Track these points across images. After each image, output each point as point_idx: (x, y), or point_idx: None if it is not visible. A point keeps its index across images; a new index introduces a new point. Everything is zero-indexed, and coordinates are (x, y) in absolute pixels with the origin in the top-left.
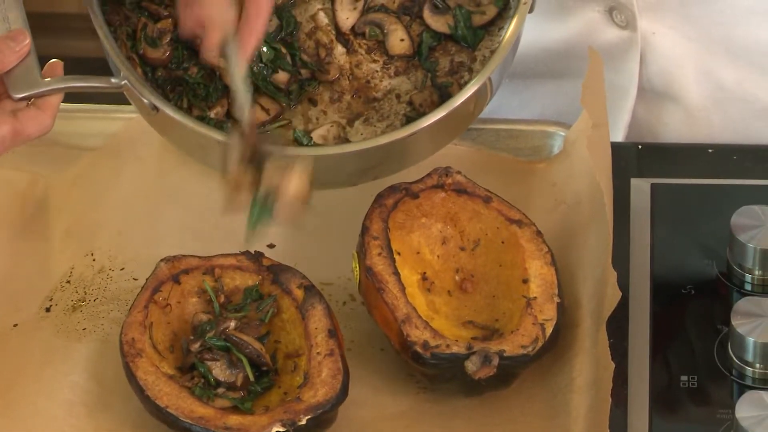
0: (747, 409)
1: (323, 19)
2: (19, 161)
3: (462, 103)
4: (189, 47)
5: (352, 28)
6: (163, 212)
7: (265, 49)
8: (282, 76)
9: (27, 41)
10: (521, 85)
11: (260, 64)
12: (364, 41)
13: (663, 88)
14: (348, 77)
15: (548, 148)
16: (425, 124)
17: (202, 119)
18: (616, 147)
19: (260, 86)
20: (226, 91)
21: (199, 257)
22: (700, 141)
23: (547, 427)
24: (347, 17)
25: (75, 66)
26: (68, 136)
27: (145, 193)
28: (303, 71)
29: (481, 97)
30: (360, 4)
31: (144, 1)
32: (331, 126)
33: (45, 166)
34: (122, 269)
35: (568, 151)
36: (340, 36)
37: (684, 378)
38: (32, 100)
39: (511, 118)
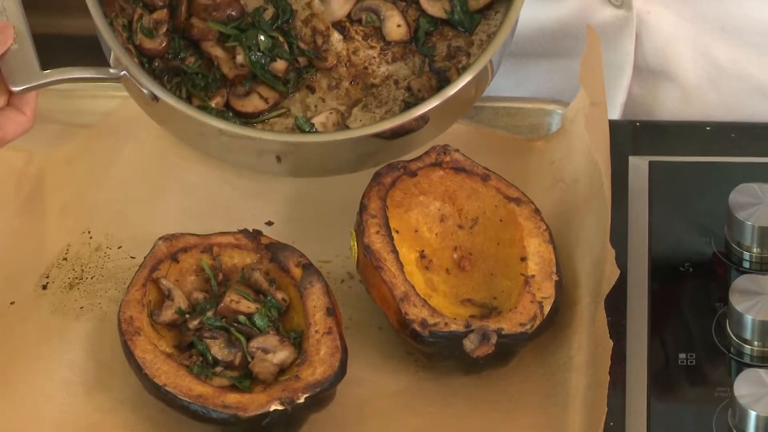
0: (745, 386)
1: (319, 6)
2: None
3: (462, 88)
4: (185, 37)
5: (348, 15)
6: (160, 190)
7: (262, 37)
8: (280, 65)
9: (11, 34)
10: (517, 64)
11: (258, 53)
12: (361, 28)
13: (658, 67)
14: (345, 64)
15: (546, 126)
16: (425, 110)
17: (202, 108)
18: (613, 125)
19: (258, 75)
20: (225, 81)
21: (198, 235)
22: (696, 119)
23: (545, 405)
24: (341, 8)
25: (70, 45)
26: (64, 114)
27: (143, 171)
28: (300, 59)
29: (481, 81)
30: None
31: None
32: (330, 113)
33: (41, 144)
34: (120, 247)
35: (566, 129)
36: (337, 23)
37: (682, 356)
38: (9, 100)
39: (510, 96)
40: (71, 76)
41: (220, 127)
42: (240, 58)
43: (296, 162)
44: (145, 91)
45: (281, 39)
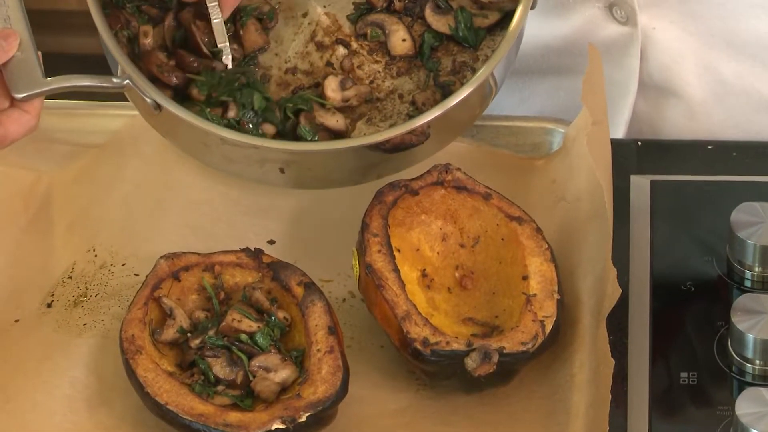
0: (747, 405)
1: (325, 20)
2: (22, 158)
3: (464, 98)
4: (191, 51)
5: (354, 30)
6: (164, 209)
7: (256, 97)
8: (269, 129)
9: (16, 41)
10: (521, 82)
11: (250, 112)
12: (366, 42)
13: (664, 83)
14: (351, 78)
15: (548, 145)
16: (427, 120)
17: (205, 117)
18: (615, 144)
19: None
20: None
21: (199, 254)
22: (702, 135)
23: (547, 424)
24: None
25: (75, 63)
26: (70, 134)
27: (147, 189)
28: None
29: (484, 95)
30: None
31: (144, 5)
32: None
33: (48, 163)
34: (123, 265)
35: (568, 147)
36: (341, 38)
37: (684, 375)
38: (14, 103)
39: (511, 114)
40: (74, 84)
41: (222, 135)
42: (232, 113)
43: (299, 172)
44: (148, 99)
45: (274, 103)
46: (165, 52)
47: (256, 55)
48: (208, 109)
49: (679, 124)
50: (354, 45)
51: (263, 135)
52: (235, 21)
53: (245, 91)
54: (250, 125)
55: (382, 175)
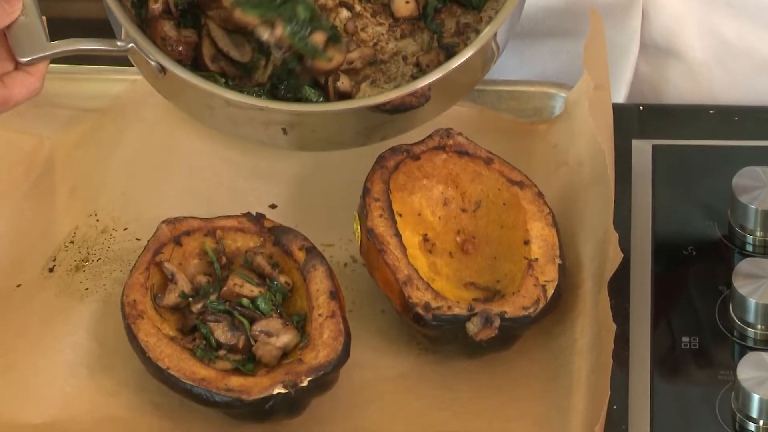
0: (748, 370)
1: None
2: (24, 123)
3: (466, 61)
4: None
5: None
6: (166, 173)
7: (301, 9)
8: (319, 36)
9: (19, 4)
10: (522, 45)
11: (296, 26)
12: (369, 5)
13: (665, 45)
14: (354, 40)
15: (550, 110)
16: (430, 81)
17: (209, 78)
18: (617, 108)
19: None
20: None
21: (201, 219)
22: (704, 97)
23: (549, 389)
24: None
25: (77, 27)
26: (72, 98)
27: (149, 154)
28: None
29: (486, 57)
30: None
31: None
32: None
33: (50, 128)
34: (125, 229)
35: (570, 112)
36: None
37: (685, 339)
38: (18, 66)
39: (513, 78)
40: (78, 47)
41: (227, 97)
42: (279, 31)
43: (303, 134)
44: (152, 62)
45: (318, 11)
46: (171, 20)
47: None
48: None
49: (680, 86)
50: (357, 7)
51: (314, 47)
52: None
53: (287, 5)
54: (298, 38)
55: (386, 136)
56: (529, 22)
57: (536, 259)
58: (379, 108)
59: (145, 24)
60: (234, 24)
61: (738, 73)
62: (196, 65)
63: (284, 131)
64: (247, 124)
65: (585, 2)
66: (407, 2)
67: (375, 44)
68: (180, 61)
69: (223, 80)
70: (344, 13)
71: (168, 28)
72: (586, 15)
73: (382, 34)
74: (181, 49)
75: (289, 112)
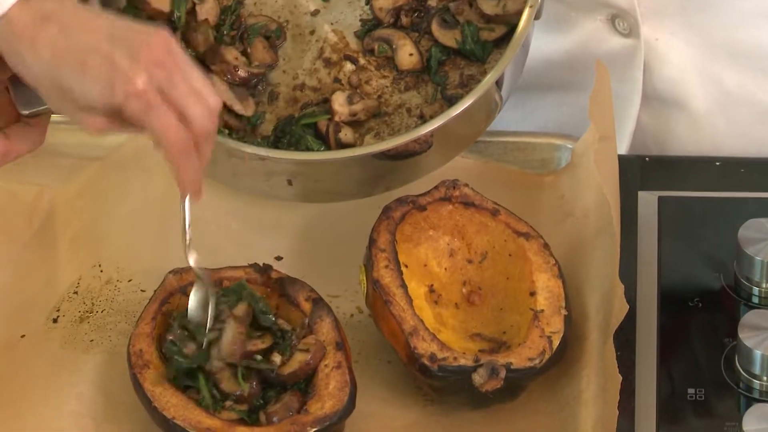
0: (754, 422)
1: (332, 37)
2: (25, 174)
3: (470, 109)
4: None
5: (362, 46)
6: (170, 223)
7: None
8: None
9: None
10: (524, 97)
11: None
12: (374, 58)
13: (668, 95)
14: (358, 92)
15: (556, 161)
16: (433, 127)
17: None
18: (623, 160)
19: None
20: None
21: (207, 269)
22: (707, 147)
23: None
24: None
25: None
26: (73, 147)
27: (152, 204)
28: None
29: (489, 107)
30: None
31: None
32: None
33: (51, 178)
34: (130, 281)
35: (576, 163)
36: (349, 54)
37: (691, 391)
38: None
39: (519, 130)
40: None
41: (229, 147)
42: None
43: (306, 184)
44: None
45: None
46: None
47: (264, 72)
48: None
49: (683, 136)
50: (362, 61)
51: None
52: (242, 39)
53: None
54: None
55: (390, 187)
56: (531, 75)
57: (542, 311)
58: (382, 155)
59: None
60: (238, 78)
61: (740, 123)
62: None
63: (288, 182)
64: (250, 176)
65: (586, 55)
66: (411, 55)
67: (379, 97)
68: None
69: (227, 132)
70: (348, 66)
71: None
72: (588, 68)
73: (386, 87)
74: None
75: (291, 161)
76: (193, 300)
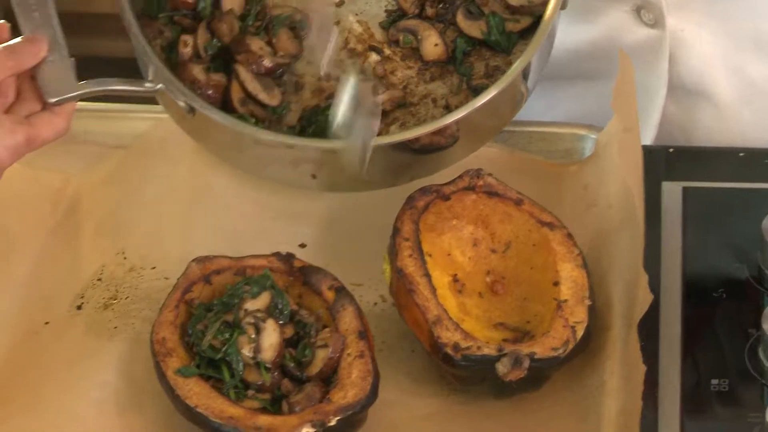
0: None
1: (357, 28)
2: (50, 161)
3: (495, 100)
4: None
5: (386, 37)
6: (193, 212)
7: None
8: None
9: (44, 46)
10: (549, 87)
11: None
12: (399, 48)
13: (693, 86)
14: (384, 83)
15: (580, 151)
16: (457, 117)
17: (239, 118)
18: (647, 150)
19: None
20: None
21: (231, 258)
22: (732, 137)
23: (578, 430)
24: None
25: (106, 66)
26: (98, 135)
27: (176, 192)
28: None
29: (515, 98)
30: None
31: (177, 16)
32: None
33: (76, 166)
34: (153, 268)
35: (600, 154)
36: (374, 45)
37: (715, 381)
38: (46, 106)
39: (543, 120)
40: (106, 88)
41: (255, 136)
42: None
43: (332, 174)
44: (181, 103)
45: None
46: (200, 64)
47: (289, 63)
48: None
49: (709, 127)
50: (387, 51)
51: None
52: (267, 29)
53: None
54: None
55: (415, 177)
56: (557, 65)
57: (566, 300)
58: (408, 148)
59: (174, 67)
60: (263, 68)
61: (765, 113)
62: (225, 109)
63: (313, 175)
64: (276, 164)
65: (611, 45)
66: (436, 45)
67: (404, 87)
68: (210, 105)
69: (253, 121)
70: (374, 57)
71: (197, 71)
72: (613, 58)
73: (412, 77)
74: (210, 92)
75: (317, 149)
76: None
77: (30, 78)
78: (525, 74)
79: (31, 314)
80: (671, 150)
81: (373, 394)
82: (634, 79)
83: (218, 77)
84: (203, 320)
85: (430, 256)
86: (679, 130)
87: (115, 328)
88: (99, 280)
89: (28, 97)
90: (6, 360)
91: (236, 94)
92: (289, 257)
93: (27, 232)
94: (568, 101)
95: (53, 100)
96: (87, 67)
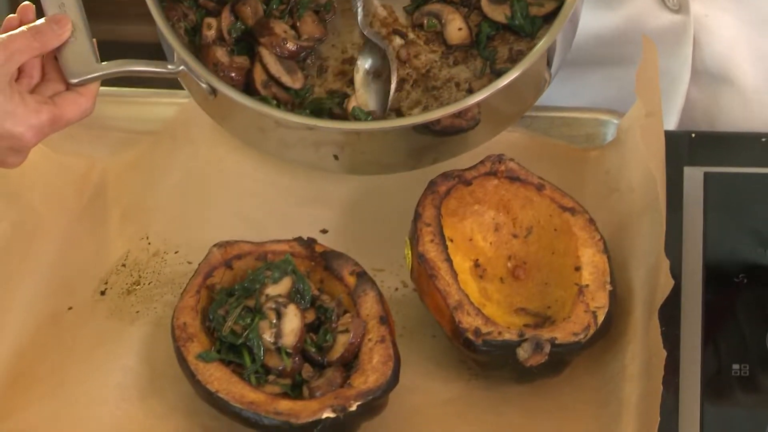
0: None
1: (381, 12)
2: (77, 146)
3: (516, 79)
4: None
5: (410, 21)
6: (217, 197)
7: None
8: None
9: (69, 26)
10: (572, 73)
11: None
12: (422, 32)
13: (717, 71)
14: (407, 67)
15: (602, 136)
16: (479, 98)
17: (261, 100)
18: (669, 135)
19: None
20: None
21: (252, 243)
22: (756, 123)
23: (599, 415)
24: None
25: (129, 50)
26: (124, 121)
27: (200, 178)
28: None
29: (538, 79)
30: None
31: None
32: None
33: (101, 151)
34: (176, 252)
35: (622, 139)
36: (398, 28)
37: (736, 366)
38: (70, 86)
39: (565, 105)
40: (128, 69)
41: (277, 117)
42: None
43: (353, 156)
44: (203, 84)
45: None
46: (224, 47)
47: (313, 46)
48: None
49: (733, 112)
50: (410, 35)
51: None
52: (292, 13)
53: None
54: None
55: (437, 160)
56: (580, 51)
57: (587, 286)
58: (429, 130)
59: (198, 50)
60: (287, 51)
61: None
62: (247, 92)
63: (335, 156)
64: (298, 146)
65: (636, 31)
66: (460, 29)
67: (428, 71)
68: (232, 87)
69: (275, 103)
70: (397, 41)
71: (221, 54)
72: (637, 43)
73: (435, 61)
74: (233, 74)
75: (339, 130)
76: None
77: (54, 59)
78: (548, 58)
79: (54, 299)
80: (693, 135)
81: (394, 379)
82: (658, 64)
83: (241, 60)
84: (224, 305)
85: (451, 241)
86: (703, 116)
87: (137, 312)
88: (123, 265)
89: (53, 78)
90: (30, 344)
91: (259, 77)
92: (310, 242)
93: (52, 217)
94: (592, 88)
95: (75, 80)
96: (112, 52)
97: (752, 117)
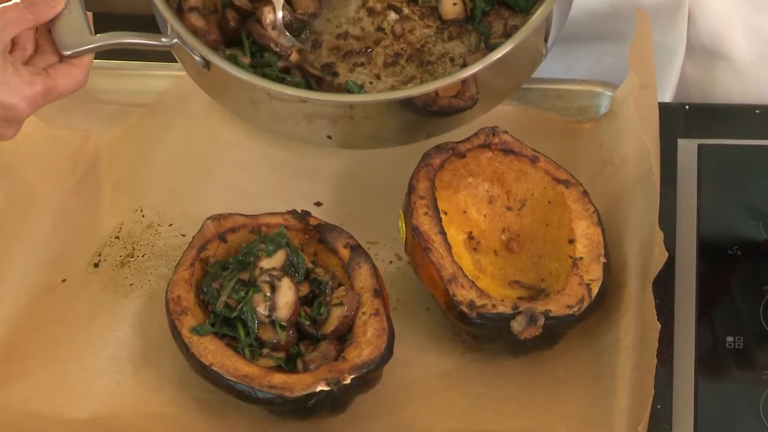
0: None
1: None
2: (70, 119)
3: (510, 52)
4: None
5: None
6: (211, 170)
7: None
8: None
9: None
10: (568, 48)
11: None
12: (417, 7)
13: (712, 46)
14: (402, 42)
15: (595, 109)
16: (473, 71)
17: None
18: (663, 107)
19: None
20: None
21: (246, 215)
22: (750, 97)
23: (592, 388)
24: None
25: (123, 22)
26: (118, 94)
27: (194, 150)
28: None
29: (533, 53)
30: None
31: None
32: (386, 89)
33: (96, 124)
34: (170, 225)
35: (615, 111)
36: (392, 3)
37: (730, 339)
38: (63, 58)
39: (559, 78)
40: (121, 41)
41: (270, 89)
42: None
43: (347, 130)
44: (197, 58)
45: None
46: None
47: (308, 21)
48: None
49: (727, 87)
50: (405, 10)
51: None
52: None
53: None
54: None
55: (431, 134)
56: (574, 26)
57: (581, 258)
58: (427, 111)
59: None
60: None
61: None
62: (229, 44)
63: (329, 134)
64: (291, 119)
65: (630, 5)
66: (455, 4)
67: (422, 46)
68: (215, 48)
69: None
70: (392, 16)
71: (195, 19)
72: (631, 18)
73: (430, 36)
74: (212, 37)
75: (332, 103)
76: None
77: (47, 31)
78: (543, 32)
79: (48, 272)
80: (687, 107)
81: (388, 352)
82: (652, 37)
83: (213, 17)
84: (218, 278)
85: (445, 213)
86: (697, 91)
87: (131, 285)
88: (116, 237)
89: (46, 50)
90: (24, 316)
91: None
92: (304, 215)
93: (46, 190)
94: (587, 63)
95: (68, 52)
96: (106, 24)
97: (746, 91)
